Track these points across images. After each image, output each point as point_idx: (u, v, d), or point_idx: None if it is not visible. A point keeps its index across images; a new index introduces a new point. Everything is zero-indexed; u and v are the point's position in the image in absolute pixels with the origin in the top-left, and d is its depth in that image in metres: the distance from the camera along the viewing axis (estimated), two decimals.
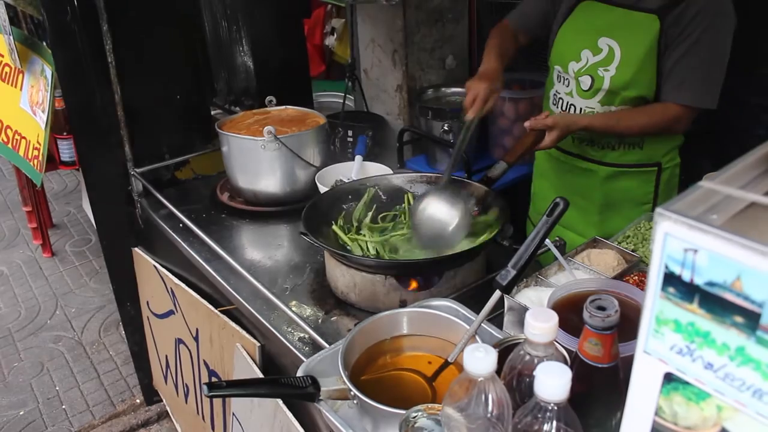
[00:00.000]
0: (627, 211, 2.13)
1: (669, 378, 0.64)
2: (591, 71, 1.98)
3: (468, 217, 1.78)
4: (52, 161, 3.49)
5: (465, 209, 1.78)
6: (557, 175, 2.25)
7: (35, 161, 2.81)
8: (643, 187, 2.12)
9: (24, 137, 2.92)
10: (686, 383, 0.63)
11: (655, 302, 0.63)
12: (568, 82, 2.06)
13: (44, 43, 2.73)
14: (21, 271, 4.32)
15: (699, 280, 0.58)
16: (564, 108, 2.09)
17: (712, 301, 0.58)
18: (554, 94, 2.14)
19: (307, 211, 1.83)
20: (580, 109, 2.04)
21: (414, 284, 1.69)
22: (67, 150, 3.48)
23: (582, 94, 2.03)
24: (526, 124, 1.94)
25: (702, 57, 1.86)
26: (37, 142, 2.80)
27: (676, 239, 0.59)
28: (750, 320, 0.56)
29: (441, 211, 1.78)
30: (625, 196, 2.13)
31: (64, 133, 3.40)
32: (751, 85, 2.64)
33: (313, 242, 1.71)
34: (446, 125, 2.89)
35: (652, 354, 0.65)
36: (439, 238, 1.77)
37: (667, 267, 0.60)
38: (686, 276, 0.59)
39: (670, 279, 0.60)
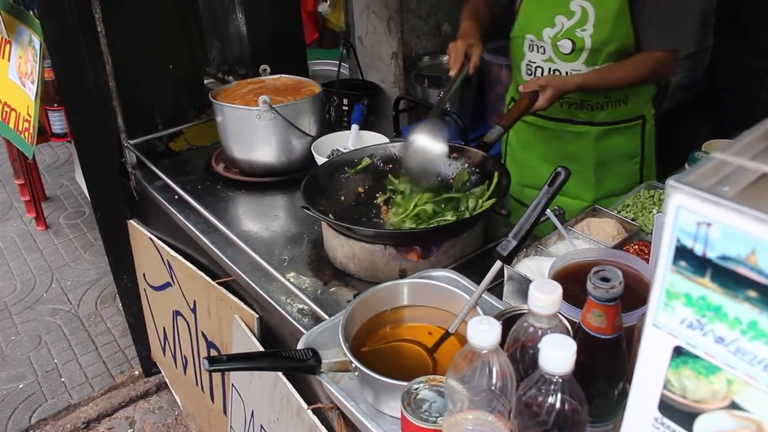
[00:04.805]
0: (619, 167, 2.21)
1: (678, 352, 0.64)
2: (569, 34, 1.99)
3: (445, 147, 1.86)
4: (43, 133, 3.44)
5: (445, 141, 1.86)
6: (546, 143, 2.25)
7: (26, 133, 2.77)
8: (631, 141, 2.19)
9: (13, 109, 2.88)
10: (696, 357, 0.62)
11: (665, 276, 0.62)
12: (544, 49, 2.06)
13: (31, 13, 2.67)
14: (15, 244, 4.30)
15: (712, 254, 0.57)
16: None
17: (725, 276, 0.57)
18: (527, 65, 2.14)
19: (306, 184, 1.82)
20: (566, 72, 2.04)
21: (414, 255, 1.68)
22: (58, 122, 3.43)
23: (564, 58, 2.03)
24: (520, 87, 1.95)
25: (676, 1, 1.90)
26: (27, 113, 2.75)
27: (689, 212, 0.57)
28: (764, 295, 0.55)
29: (427, 143, 1.85)
30: (617, 152, 2.20)
31: (55, 105, 3.35)
32: (754, 49, 2.61)
33: (316, 215, 1.70)
34: (442, 93, 2.86)
35: (662, 328, 0.64)
36: (425, 167, 1.86)
37: (678, 240, 0.59)
38: (698, 250, 0.58)
39: (682, 252, 0.59)
